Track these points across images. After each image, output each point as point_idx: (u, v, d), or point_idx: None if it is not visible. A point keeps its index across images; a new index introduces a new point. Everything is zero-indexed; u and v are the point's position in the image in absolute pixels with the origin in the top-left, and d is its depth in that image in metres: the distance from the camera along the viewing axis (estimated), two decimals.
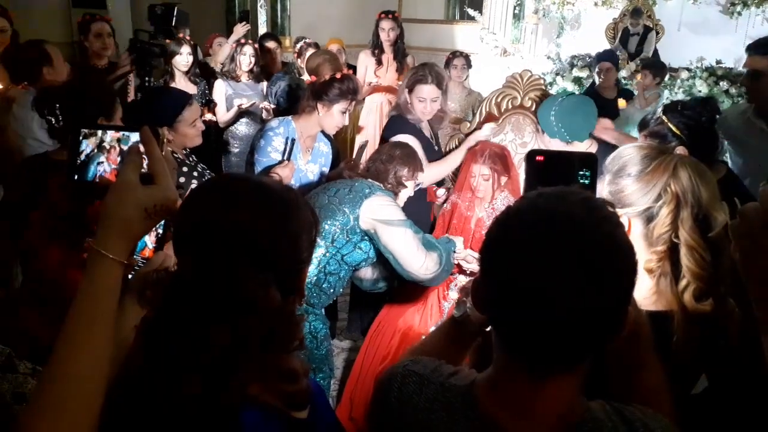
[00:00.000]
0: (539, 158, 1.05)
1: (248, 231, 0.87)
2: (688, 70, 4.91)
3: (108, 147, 0.96)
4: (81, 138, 0.96)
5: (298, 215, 0.95)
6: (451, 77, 4.25)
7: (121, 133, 0.96)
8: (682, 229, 1.19)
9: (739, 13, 5.66)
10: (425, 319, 2.54)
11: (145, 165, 0.87)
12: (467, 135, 2.96)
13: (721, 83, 4.61)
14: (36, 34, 4.28)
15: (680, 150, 1.87)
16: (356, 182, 2.25)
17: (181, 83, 4.05)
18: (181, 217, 0.89)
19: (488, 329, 1.24)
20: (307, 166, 2.72)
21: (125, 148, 0.95)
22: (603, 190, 1.28)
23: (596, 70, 4.44)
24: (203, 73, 4.30)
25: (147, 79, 3.19)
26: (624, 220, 1.23)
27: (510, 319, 0.80)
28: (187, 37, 4.52)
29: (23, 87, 2.88)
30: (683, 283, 1.21)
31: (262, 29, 6.63)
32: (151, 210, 0.83)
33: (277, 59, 4.69)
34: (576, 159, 1.06)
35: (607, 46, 6.38)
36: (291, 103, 3.67)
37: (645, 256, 1.24)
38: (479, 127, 2.92)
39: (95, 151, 0.96)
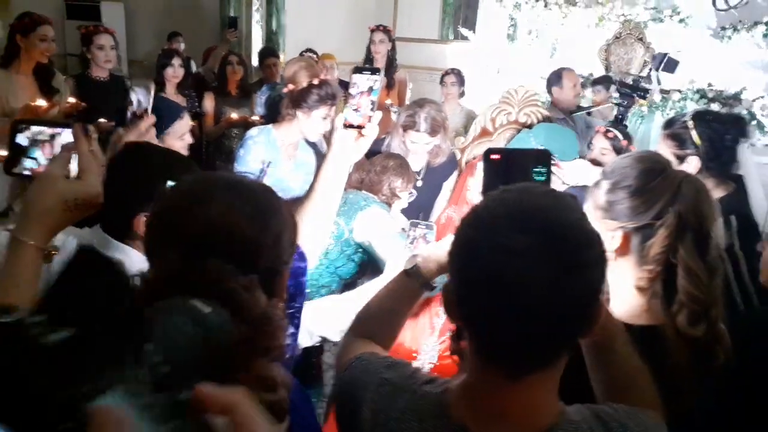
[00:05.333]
0: (495, 157, 1.09)
1: (225, 226, 0.82)
2: (680, 91, 4.96)
3: (42, 141, 1.01)
4: (17, 132, 0.99)
5: (279, 212, 0.90)
6: (444, 95, 4.26)
7: (56, 129, 1.00)
8: (683, 250, 1.16)
9: (729, 38, 5.73)
10: (416, 335, 2.49)
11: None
12: (462, 150, 2.95)
13: (711, 105, 4.66)
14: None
15: (693, 161, 1.85)
16: (350, 194, 2.22)
17: (171, 95, 4.04)
18: (153, 218, 0.86)
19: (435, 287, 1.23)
20: (290, 174, 2.68)
21: (59, 143, 1.00)
22: (600, 197, 1.25)
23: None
24: (196, 85, 4.30)
25: (621, 116, 3.21)
26: (618, 234, 1.21)
27: (482, 317, 0.78)
28: (180, 49, 4.51)
29: None
30: (676, 305, 1.17)
31: (257, 45, 6.64)
32: (71, 203, 0.86)
33: (276, 75, 4.68)
34: (531, 156, 1.09)
35: (600, 67, 6.46)
36: (271, 113, 3.62)
37: (636, 273, 1.21)
38: (474, 141, 2.91)
39: (30, 145, 1.01)
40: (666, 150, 1.87)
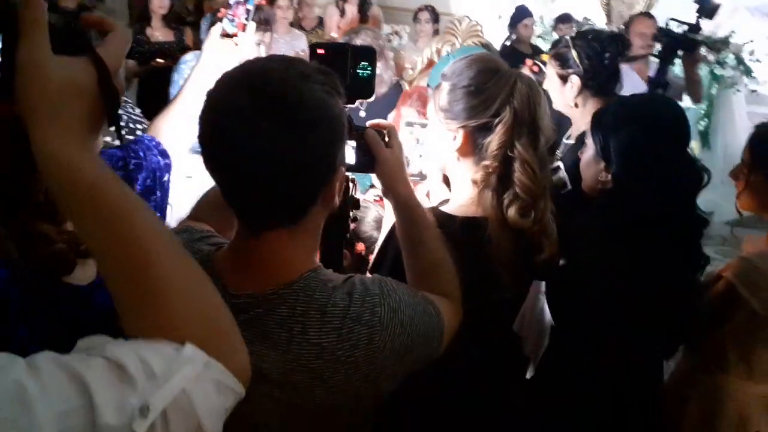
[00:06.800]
0: (320, 51, 1.12)
1: None
2: None
3: None
4: None
5: None
6: (417, 32, 4.24)
7: None
8: (518, 144, 1.22)
9: None
10: None
11: None
12: (409, 83, 2.99)
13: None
14: None
15: (575, 79, 1.86)
16: None
17: (158, 28, 4.06)
18: None
19: None
20: None
21: None
22: (441, 99, 1.31)
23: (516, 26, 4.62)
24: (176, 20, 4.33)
25: (663, 69, 2.91)
26: (460, 133, 1.26)
27: (218, 173, 0.85)
28: None
29: None
30: (509, 197, 1.24)
31: None
32: None
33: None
34: (355, 51, 1.11)
35: (601, 12, 6.31)
36: None
37: (473, 168, 1.27)
38: (422, 73, 2.94)
39: None
40: (551, 70, 1.89)
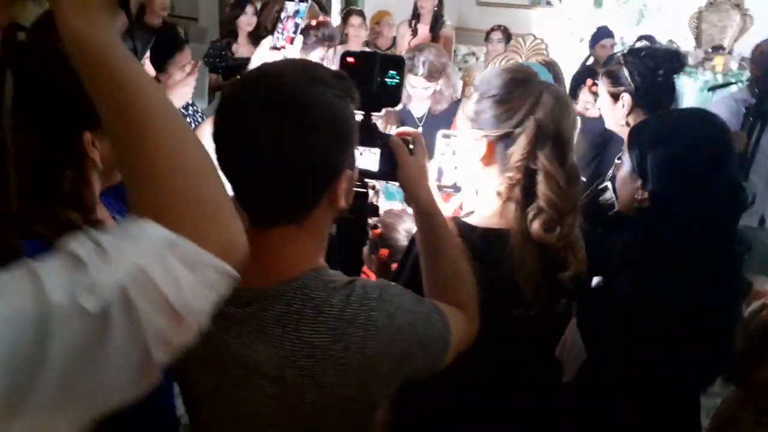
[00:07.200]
0: (350, 59, 1.14)
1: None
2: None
3: None
4: None
5: None
6: (489, 51, 4.22)
7: None
8: (542, 157, 1.19)
9: None
10: None
11: None
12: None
13: None
14: None
15: (626, 97, 1.80)
16: None
17: (244, 45, 4.23)
18: None
19: None
20: None
21: None
22: (469, 108, 1.30)
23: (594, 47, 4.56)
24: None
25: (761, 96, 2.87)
26: (483, 142, 1.25)
27: (224, 168, 0.86)
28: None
29: None
30: (533, 210, 1.21)
31: (336, 4, 6.80)
32: None
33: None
34: (384, 60, 1.13)
35: (689, 36, 6.05)
36: None
37: (498, 179, 1.25)
38: None
39: None
40: (603, 88, 1.83)
